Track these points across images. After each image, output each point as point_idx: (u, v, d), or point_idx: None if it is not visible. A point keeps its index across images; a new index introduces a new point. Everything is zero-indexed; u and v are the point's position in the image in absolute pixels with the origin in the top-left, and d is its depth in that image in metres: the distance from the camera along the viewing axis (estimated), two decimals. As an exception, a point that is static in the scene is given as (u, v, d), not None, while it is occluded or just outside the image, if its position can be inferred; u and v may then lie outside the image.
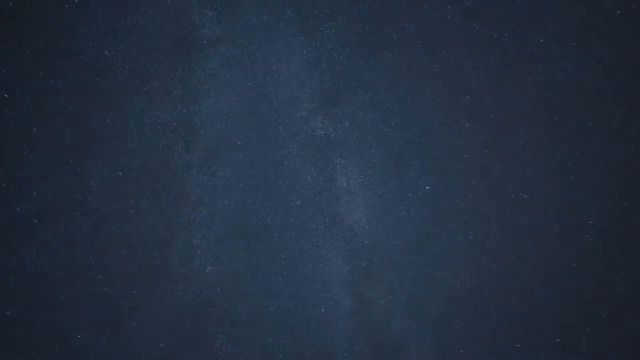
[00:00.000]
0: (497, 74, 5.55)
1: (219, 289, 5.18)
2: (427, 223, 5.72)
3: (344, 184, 5.50)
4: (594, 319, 5.70)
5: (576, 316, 5.70)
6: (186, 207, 5.02)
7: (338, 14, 5.07)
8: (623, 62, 5.44)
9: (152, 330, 4.94)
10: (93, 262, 4.74)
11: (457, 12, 5.18)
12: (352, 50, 5.21)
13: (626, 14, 5.37)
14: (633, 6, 5.30)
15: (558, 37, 5.36)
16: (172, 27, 4.72)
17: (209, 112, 5.09)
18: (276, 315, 5.31)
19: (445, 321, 5.68)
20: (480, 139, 5.61)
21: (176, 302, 5.10)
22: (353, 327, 5.69)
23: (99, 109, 4.59)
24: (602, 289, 5.75)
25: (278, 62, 5.15)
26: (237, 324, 5.22)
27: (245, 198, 5.28)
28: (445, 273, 5.80)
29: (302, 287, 5.45)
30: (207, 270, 5.09)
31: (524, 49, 5.35)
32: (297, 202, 5.34)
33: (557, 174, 5.57)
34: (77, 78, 4.57)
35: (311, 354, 5.46)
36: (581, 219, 5.59)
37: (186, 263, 5.08)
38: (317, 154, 5.45)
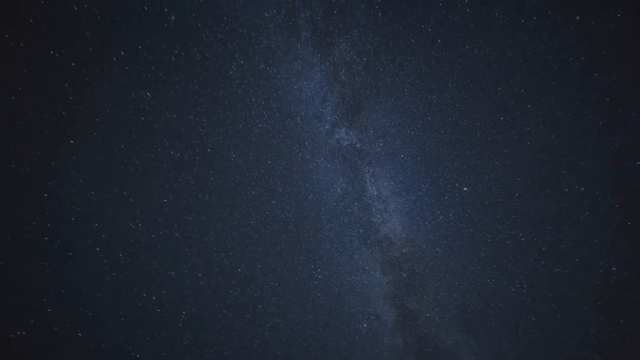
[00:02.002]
0: (529, 62, 4.93)
1: (259, 307, 4.97)
2: (470, 227, 5.08)
3: (375, 193, 5.13)
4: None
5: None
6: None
7: (352, 27, 4.92)
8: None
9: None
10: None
11: (474, 5, 4.75)
12: (370, 59, 4.98)
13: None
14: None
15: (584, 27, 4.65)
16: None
17: (238, 134, 5.12)
18: (317, 332, 4.94)
19: (504, 335, 4.86)
20: (519, 131, 4.94)
21: (223, 324, 4.98)
22: (400, 343, 5.11)
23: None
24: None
25: (299, 81, 5.09)
26: (279, 343, 4.94)
27: (277, 214, 5.12)
28: (498, 281, 5.04)
29: (342, 302, 5.06)
30: (246, 292, 4.93)
31: (551, 37, 4.71)
32: (329, 215, 5.05)
33: (614, 163, 4.67)
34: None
35: (357, 373, 4.97)
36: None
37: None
38: (345, 165, 5.18)
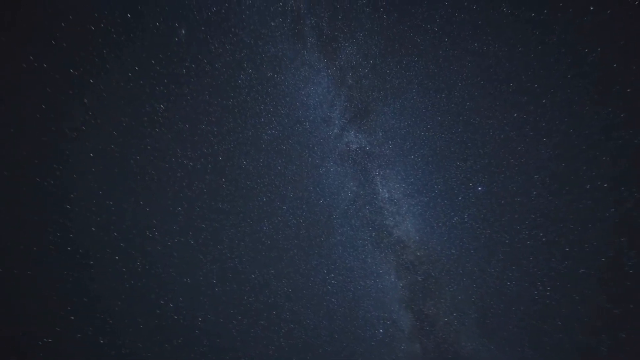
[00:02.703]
0: (541, 56, 4.73)
1: (273, 312, 4.91)
2: (486, 228, 4.87)
3: (386, 195, 5.00)
4: None
5: None
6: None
7: (357, 31, 4.88)
8: None
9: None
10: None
11: (481, 1, 4.61)
12: (377, 61, 4.92)
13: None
14: None
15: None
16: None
17: (248, 142, 5.13)
18: (332, 338, 4.82)
19: (527, 340, 4.59)
20: (534, 127, 4.72)
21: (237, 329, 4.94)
22: (418, 349, 4.91)
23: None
24: None
25: (306, 86, 5.07)
26: (294, 349, 4.84)
27: (289, 220, 5.08)
28: (519, 283, 4.79)
29: (356, 307, 4.92)
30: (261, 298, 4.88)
31: (564, 29, 4.50)
32: (341, 219, 4.96)
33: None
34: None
35: (374, 380, 4.80)
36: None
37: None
38: (355, 168, 5.10)
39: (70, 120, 4.57)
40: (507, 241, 4.49)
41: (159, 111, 4.80)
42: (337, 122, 5.11)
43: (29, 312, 4.67)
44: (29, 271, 4.67)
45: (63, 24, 4.26)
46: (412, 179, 4.68)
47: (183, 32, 4.69)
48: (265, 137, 5.10)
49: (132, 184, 4.86)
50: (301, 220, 5.00)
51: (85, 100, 4.63)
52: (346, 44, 4.93)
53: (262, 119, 5.07)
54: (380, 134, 4.95)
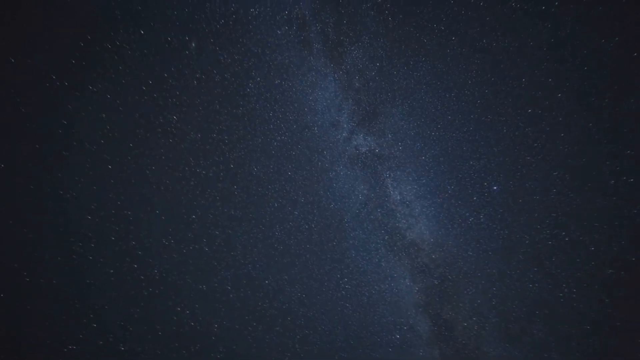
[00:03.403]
0: (555, 49, 4.54)
1: (288, 319, 4.83)
2: (504, 228, 4.65)
3: (398, 197, 4.88)
4: None
5: None
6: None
7: (362, 34, 4.84)
8: None
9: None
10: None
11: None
12: (383, 63, 4.85)
13: None
14: None
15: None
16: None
17: (258, 149, 5.15)
18: (348, 344, 4.69)
19: (555, 345, 4.30)
20: (551, 122, 4.50)
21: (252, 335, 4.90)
22: (437, 355, 4.70)
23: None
24: None
25: (313, 92, 5.06)
26: (310, 356, 4.73)
27: (300, 225, 5.02)
28: (542, 285, 4.53)
29: (372, 312, 4.78)
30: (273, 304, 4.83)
31: (578, 20, 4.30)
32: (352, 223, 4.86)
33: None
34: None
35: (393, 387, 4.62)
36: None
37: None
38: (365, 171, 5.01)
39: (89, 134, 4.73)
40: (527, 242, 4.26)
41: (172, 122, 4.89)
42: (345, 125, 5.05)
43: (54, 320, 4.79)
44: (54, 280, 4.80)
45: (82, 44, 4.43)
46: (424, 180, 4.54)
47: (193, 44, 4.79)
48: (275, 144, 5.10)
49: (148, 193, 4.95)
50: (313, 225, 4.94)
51: (103, 115, 4.78)
52: (352, 48, 4.89)
53: (271, 126, 5.08)
54: (390, 135, 4.85)
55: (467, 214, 4.44)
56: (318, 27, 4.83)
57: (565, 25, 4.22)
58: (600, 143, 4.10)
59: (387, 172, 4.75)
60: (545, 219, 4.32)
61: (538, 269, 4.33)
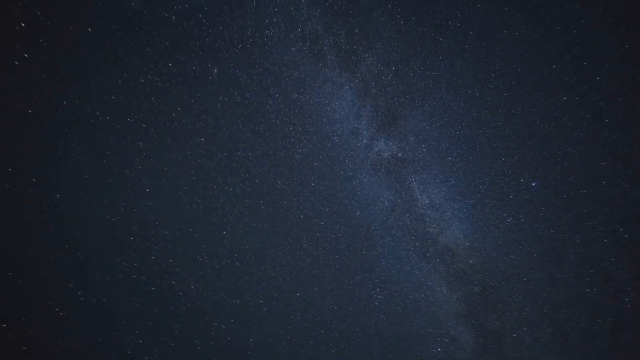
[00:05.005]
0: (587, 31, 4.10)
1: (322, 332, 4.62)
2: (548, 227, 4.16)
3: (426, 201, 4.57)
4: None
5: None
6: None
7: (375, 41, 4.73)
8: None
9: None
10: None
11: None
12: (399, 67, 4.68)
13: None
14: None
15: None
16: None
17: (281, 163, 5.13)
18: (386, 357, 4.36)
19: (622, 357, 3.66)
20: (591, 108, 4.01)
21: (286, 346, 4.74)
22: (485, 370, 4.21)
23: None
24: None
25: (331, 102, 5.00)
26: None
27: (327, 235, 4.86)
28: (601, 290, 3.95)
29: (408, 324, 4.43)
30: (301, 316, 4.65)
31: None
32: (380, 230, 4.61)
33: None
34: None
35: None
36: None
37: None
38: (389, 177, 4.78)
39: (130, 163, 5.01)
40: (577, 241, 3.75)
41: (200, 144, 5.06)
42: (365, 132, 4.89)
43: (109, 340, 4.98)
44: (103, 299, 5.03)
45: (120, 81, 4.77)
46: (453, 182, 4.20)
47: (215, 70, 4.96)
48: (297, 156, 5.06)
49: (182, 213, 5.10)
50: (339, 235, 4.76)
51: (140, 144, 5.05)
52: (366, 55, 4.79)
53: (292, 139, 5.06)
54: (412, 138, 4.60)
55: (505, 214, 4.01)
56: (331, 40, 4.80)
57: (598, 5, 3.80)
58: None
59: (412, 176, 4.47)
60: (597, 214, 3.78)
61: (594, 271, 3.76)
